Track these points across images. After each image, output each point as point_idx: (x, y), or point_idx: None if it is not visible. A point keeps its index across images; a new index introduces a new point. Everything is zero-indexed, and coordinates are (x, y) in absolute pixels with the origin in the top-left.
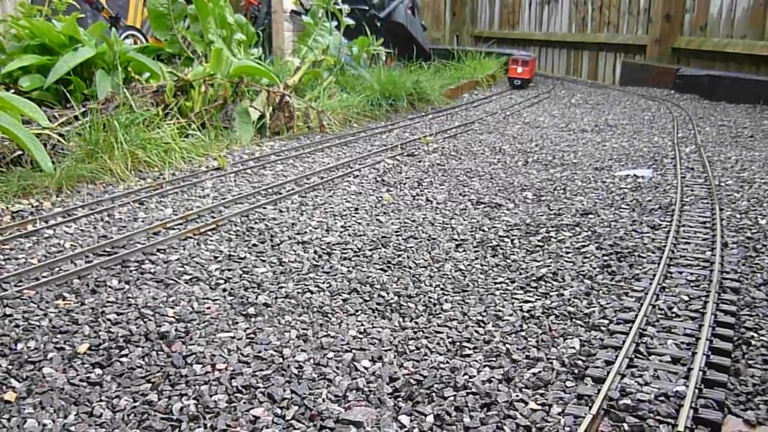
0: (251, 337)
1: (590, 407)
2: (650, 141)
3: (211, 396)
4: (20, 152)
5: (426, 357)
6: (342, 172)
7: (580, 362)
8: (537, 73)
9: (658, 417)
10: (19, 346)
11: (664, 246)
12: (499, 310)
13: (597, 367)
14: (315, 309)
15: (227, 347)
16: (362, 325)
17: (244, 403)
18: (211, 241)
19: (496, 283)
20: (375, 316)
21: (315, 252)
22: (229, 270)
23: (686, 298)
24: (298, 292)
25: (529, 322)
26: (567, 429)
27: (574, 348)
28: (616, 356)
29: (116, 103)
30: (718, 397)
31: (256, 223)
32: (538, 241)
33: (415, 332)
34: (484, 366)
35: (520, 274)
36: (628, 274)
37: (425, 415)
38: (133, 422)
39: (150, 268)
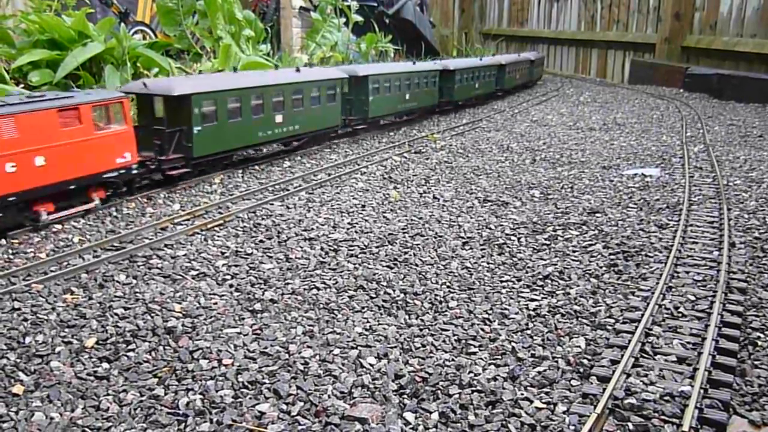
0: (257, 333)
1: (595, 406)
2: (659, 140)
3: (217, 391)
4: None
5: (431, 354)
6: (349, 169)
7: (585, 361)
8: (545, 71)
9: (663, 417)
10: (27, 339)
11: (672, 245)
12: (505, 309)
13: (602, 366)
14: (321, 305)
15: (233, 343)
16: (368, 322)
17: (250, 398)
18: (218, 236)
19: (502, 281)
20: (381, 313)
21: (321, 249)
22: (236, 266)
23: (693, 298)
24: (304, 289)
25: (534, 321)
26: (572, 428)
27: (579, 347)
28: (622, 355)
29: None
30: (723, 398)
31: (263, 219)
32: (545, 239)
33: (420, 330)
34: (490, 364)
35: (527, 272)
36: (634, 273)
37: (430, 413)
38: (140, 416)
39: (157, 264)
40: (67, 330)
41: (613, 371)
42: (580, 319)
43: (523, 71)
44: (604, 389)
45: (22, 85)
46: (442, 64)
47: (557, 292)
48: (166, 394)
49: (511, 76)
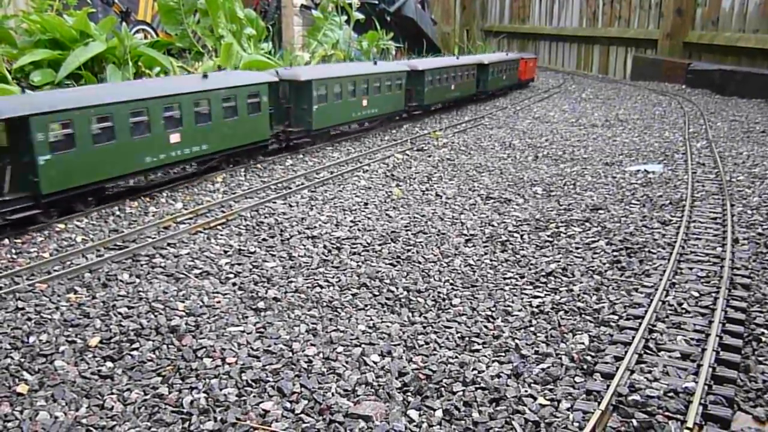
0: (261, 332)
1: (599, 403)
2: (661, 136)
3: (221, 389)
4: None
5: (435, 352)
6: (352, 167)
7: (589, 358)
8: (547, 68)
9: (667, 413)
10: (31, 339)
11: (675, 242)
12: (509, 306)
13: (606, 363)
14: (324, 303)
15: (237, 341)
16: (371, 319)
17: (254, 396)
18: (221, 235)
19: (505, 279)
20: (384, 311)
21: (324, 247)
22: (239, 264)
23: (696, 295)
24: (307, 287)
25: (538, 318)
26: (576, 424)
27: (583, 344)
28: (626, 352)
29: None
30: (727, 394)
31: (265, 217)
32: (548, 236)
33: (424, 327)
34: (493, 361)
35: (530, 269)
36: (638, 269)
37: (434, 410)
38: (144, 415)
39: (160, 262)
40: (70, 329)
41: (617, 368)
42: (583, 315)
43: (464, 82)
44: (608, 386)
45: (24, 84)
46: (290, 72)
47: (560, 289)
48: (170, 392)
49: (438, 88)
